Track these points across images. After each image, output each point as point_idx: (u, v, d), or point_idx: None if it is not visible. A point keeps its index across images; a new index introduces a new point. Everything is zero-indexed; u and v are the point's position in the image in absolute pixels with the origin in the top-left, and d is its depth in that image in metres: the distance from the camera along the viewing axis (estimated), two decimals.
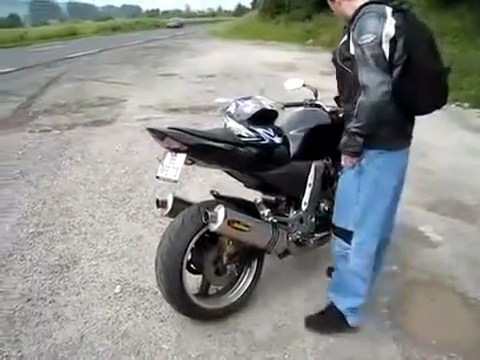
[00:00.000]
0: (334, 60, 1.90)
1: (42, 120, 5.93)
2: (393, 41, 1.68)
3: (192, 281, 2.18)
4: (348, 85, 1.84)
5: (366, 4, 1.74)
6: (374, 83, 1.65)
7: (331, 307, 2.17)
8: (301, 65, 11.15)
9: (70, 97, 7.33)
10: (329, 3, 1.96)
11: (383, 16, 1.67)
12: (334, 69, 1.96)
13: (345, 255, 2.04)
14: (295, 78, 2.95)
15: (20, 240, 2.89)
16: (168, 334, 2.11)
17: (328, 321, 2.17)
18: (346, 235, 2.01)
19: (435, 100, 1.84)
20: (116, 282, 2.49)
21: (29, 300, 2.32)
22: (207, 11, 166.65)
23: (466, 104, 6.88)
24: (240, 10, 72.74)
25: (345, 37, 1.81)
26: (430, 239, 3.05)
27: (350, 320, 2.12)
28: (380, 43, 1.65)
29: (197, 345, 2.04)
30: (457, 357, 2.03)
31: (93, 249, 2.82)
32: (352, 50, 1.74)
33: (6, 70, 9.80)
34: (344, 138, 1.81)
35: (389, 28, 1.66)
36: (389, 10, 1.69)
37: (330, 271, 2.34)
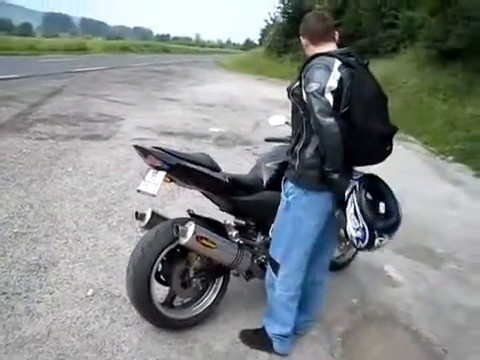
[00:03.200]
0: (288, 96, 2.05)
1: (40, 128, 6.11)
2: (336, 92, 1.82)
3: (160, 292, 2.33)
4: (296, 122, 2.03)
5: (319, 55, 1.90)
6: (323, 127, 1.79)
7: (263, 329, 2.34)
8: None
9: (70, 109, 7.55)
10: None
11: (329, 69, 1.82)
12: None
13: (273, 284, 2.20)
14: (279, 115, 3.20)
15: (4, 238, 3.03)
16: (131, 338, 2.24)
17: (258, 339, 2.33)
18: (274, 266, 2.18)
19: (367, 157, 1.96)
20: (89, 286, 2.63)
21: (4, 293, 2.45)
22: (216, 42, 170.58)
23: (450, 157, 7.16)
24: (248, 44, 74.58)
25: (298, 82, 1.96)
26: (392, 278, 3.23)
27: (275, 345, 2.27)
28: (323, 92, 1.80)
29: (156, 351, 2.18)
30: None
31: (72, 254, 2.96)
32: (304, 96, 1.89)
33: (12, 76, 10.06)
34: (326, 179, 1.90)
35: (332, 81, 1.81)
36: (337, 64, 1.84)
37: None
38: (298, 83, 1.96)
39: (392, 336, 2.64)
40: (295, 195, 2.02)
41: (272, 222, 2.47)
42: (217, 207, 2.54)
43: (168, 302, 2.32)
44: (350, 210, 1.90)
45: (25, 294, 2.47)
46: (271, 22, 26.64)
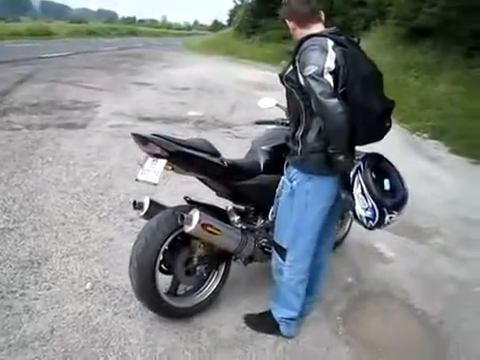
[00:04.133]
0: (282, 82, 2.01)
1: (12, 118, 5.86)
2: (334, 73, 1.78)
3: (162, 281, 2.29)
4: (293, 107, 2.00)
5: (310, 36, 1.85)
6: (327, 109, 1.74)
7: (269, 313, 2.34)
8: (273, 85, 11.34)
9: (42, 97, 7.27)
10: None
11: (324, 50, 1.78)
12: None
13: (280, 270, 2.20)
14: (268, 97, 3.15)
15: None
16: (136, 329, 2.21)
17: (264, 323, 2.34)
18: (281, 251, 2.17)
19: (369, 136, 1.93)
20: (87, 279, 2.56)
21: None
22: (183, 24, 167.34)
23: (425, 134, 7.31)
24: (216, 26, 73.41)
25: (291, 66, 1.91)
26: (384, 255, 3.29)
27: (282, 329, 2.29)
28: (322, 74, 1.76)
29: (164, 341, 2.16)
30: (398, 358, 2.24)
31: (64, 247, 2.88)
32: (301, 80, 1.84)
33: None
34: (331, 160, 1.87)
35: (329, 62, 1.77)
36: (330, 43, 1.80)
37: None
38: (292, 68, 1.91)
39: (390, 311, 2.70)
40: (300, 180, 2.00)
41: (271, 205, 2.47)
42: (214, 193, 2.51)
43: (172, 291, 2.29)
44: (357, 191, 1.90)
45: (21, 292, 2.39)
46: (240, 2, 26.30)
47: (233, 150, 4.21)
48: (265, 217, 2.50)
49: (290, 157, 2.08)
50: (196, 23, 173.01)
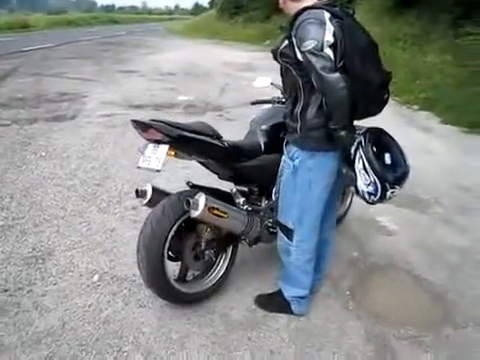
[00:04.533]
0: (275, 59, 1.95)
1: (0, 114, 5.75)
2: (333, 47, 1.74)
3: (170, 268, 2.27)
4: (289, 84, 1.95)
5: (305, 9, 1.78)
6: (329, 84, 1.70)
7: (279, 292, 2.34)
8: (259, 65, 11.32)
9: (28, 91, 7.12)
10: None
11: (322, 23, 1.72)
12: None
13: (288, 250, 2.18)
14: (263, 77, 3.11)
15: None
16: (149, 318, 2.20)
17: (274, 303, 2.34)
18: (287, 232, 2.14)
19: (369, 108, 1.90)
20: (93, 272, 2.54)
21: (6, 291, 2.33)
22: (164, 8, 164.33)
23: (415, 106, 7.29)
24: (197, 9, 72.28)
25: (286, 41, 1.84)
26: (386, 228, 3.30)
27: (294, 307, 2.29)
28: (322, 48, 1.71)
29: (177, 328, 2.15)
30: (412, 329, 2.25)
31: (67, 240, 2.84)
32: (299, 56, 1.78)
33: None
34: (332, 136, 1.84)
35: (328, 35, 1.72)
36: (327, 16, 1.74)
37: None
38: (287, 43, 1.85)
39: (396, 283, 2.72)
40: (301, 158, 1.97)
41: (274, 185, 2.45)
42: (214, 176, 2.48)
43: (181, 277, 2.28)
44: (359, 166, 1.88)
45: (28, 288, 2.36)
46: None
47: (227, 132, 4.19)
48: (269, 197, 2.48)
49: (289, 135, 2.05)
50: (177, 7, 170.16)
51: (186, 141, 2.01)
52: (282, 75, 2.01)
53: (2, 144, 4.59)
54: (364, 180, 1.89)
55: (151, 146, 2.00)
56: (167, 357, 1.98)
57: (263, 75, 3.14)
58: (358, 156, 1.89)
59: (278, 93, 2.93)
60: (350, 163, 1.92)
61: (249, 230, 2.28)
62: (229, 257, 2.40)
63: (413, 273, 2.77)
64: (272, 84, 2.96)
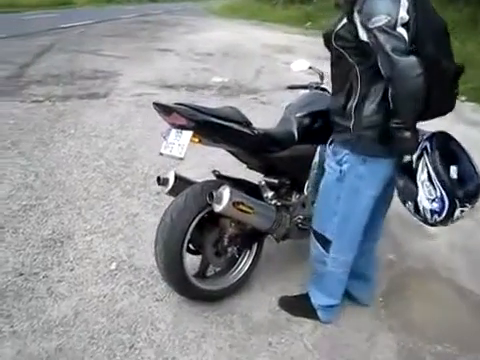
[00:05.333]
0: (328, 45, 1.70)
1: (34, 90, 5.73)
2: (406, 26, 1.47)
3: (190, 262, 2.13)
4: (342, 73, 1.68)
5: None
6: (401, 69, 1.43)
7: (306, 296, 2.14)
8: (298, 48, 11.01)
9: (63, 68, 7.09)
10: None
11: None
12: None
13: (324, 261, 1.96)
14: (301, 59, 2.90)
15: (12, 213, 2.80)
16: (164, 314, 2.07)
17: (300, 306, 2.15)
18: (324, 242, 1.92)
19: (441, 105, 1.64)
20: (111, 259, 2.43)
21: (21, 274, 2.25)
22: None
23: (463, 97, 6.85)
24: None
25: (345, 19, 1.58)
26: (427, 230, 3.03)
27: (321, 315, 2.10)
28: (395, 26, 1.44)
29: (194, 326, 2.01)
30: (451, 347, 2.04)
31: (87, 224, 2.75)
32: (363, 36, 1.52)
33: None
34: (392, 138, 1.57)
35: (402, 12, 1.45)
36: None
37: None
38: (345, 22, 1.58)
39: (435, 291, 2.50)
40: (351, 164, 1.71)
41: (306, 179, 2.26)
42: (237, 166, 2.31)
43: (201, 273, 2.13)
44: (422, 177, 1.60)
45: (43, 273, 2.27)
46: None
47: (260, 116, 4.00)
48: (300, 191, 2.29)
49: (338, 135, 1.77)
50: None
51: (212, 127, 1.83)
52: (333, 64, 1.74)
53: (33, 120, 4.54)
54: (428, 195, 1.60)
55: (174, 131, 1.84)
56: (181, 357, 1.85)
57: (302, 58, 2.93)
58: (422, 165, 1.60)
59: (317, 78, 2.72)
60: (409, 173, 1.64)
61: (277, 227, 2.10)
62: (254, 254, 2.23)
63: (454, 281, 2.55)
64: (311, 68, 2.75)
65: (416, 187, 1.63)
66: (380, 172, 1.73)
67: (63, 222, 2.75)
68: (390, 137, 1.56)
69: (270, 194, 2.10)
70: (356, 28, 1.54)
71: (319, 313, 2.09)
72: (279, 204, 2.13)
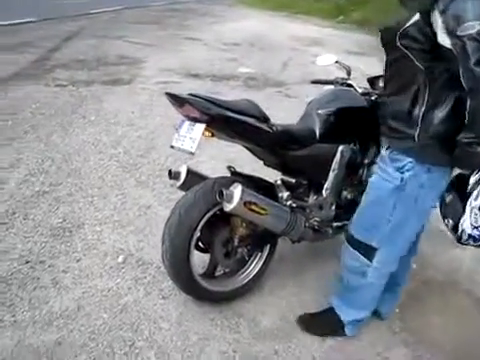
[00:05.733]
0: (387, 42, 1.54)
1: (59, 74, 5.73)
2: None
3: (198, 260, 2.05)
4: (405, 76, 1.51)
5: None
6: None
7: (330, 311, 2.00)
8: (328, 41, 10.77)
9: (89, 53, 7.09)
10: None
11: None
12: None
13: (363, 272, 1.81)
14: (328, 53, 2.77)
15: (25, 198, 2.76)
16: (169, 313, 1.99)
17: (323, 324, 2.01)
18: (368, 251, 1.76)
19: None
20: (119, 252, 2.37)
21: (28, 262, 2.21)
22: None
23: None
24: None
25: (416, 17, 1.39)
26: (451, 238, 2.87)
27: (348, 330, 1.96)
28: None
29: (198, 328, 1.93)
30: None
31: (99, 214, 2.70)
32: (443, 40, 1.34)
33: (26, 20, 9.54)
34: (458, 152, 1.44)
35: None
36: None
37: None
38: (416, 19, 1.39)
39: (455, 305, 2.34)
40: (414, 172, 1.56)
41: (325, 180, 2.14)
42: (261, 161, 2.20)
43: (209, 273, 2.04)
44: (474, 203, 1.52)
45: (50, 262, 2.23)
46: None
47: (285, 110, 3.87)
48: (318, 193, 2.16)
49: (398, 141, 1.61)
50: None
51: (226, 121, 1.73)
52: (391, 63, 1.58)
53: (54, 105, 4.52)
54: (473, 222, 1.54)
55: (187, 124, 1.75)
56: None
57: (330, 53, 2.79)
58: (478, 192, 1.52)
59: (343, 73, 2.59)
60: (460, 192, 1.56)
61: (291, 230, 1.98)
62: (265, 257, 2.13)
63: (476, 295, 2.39)
64: (337, 62, 2.61)
65: (463, 209, 1.55)
66: (441, 181, 1.62)
67: (74, 210, 2.70)
68: (458, 149, 1.44)
69: (285, 194, 1.99)
70: (432, 29, 1.37)
71: (347, 329, 1.96)
72: (294, 205, 2.01)
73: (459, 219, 1.56)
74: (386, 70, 1.64)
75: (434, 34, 1.36)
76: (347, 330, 1.96)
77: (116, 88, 5.40)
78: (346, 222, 2.36)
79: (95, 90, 5.23)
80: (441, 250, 2.74)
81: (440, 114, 1.47)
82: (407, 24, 1.42)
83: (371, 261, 1.76)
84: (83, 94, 5.01)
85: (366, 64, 7.22)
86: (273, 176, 2.14)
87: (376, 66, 7.75)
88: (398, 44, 1.46)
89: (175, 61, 7.10)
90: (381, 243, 1.72)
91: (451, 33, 1.31)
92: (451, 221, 1.61)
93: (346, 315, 1.94)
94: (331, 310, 1.99)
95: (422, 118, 1.50)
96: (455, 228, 1.60)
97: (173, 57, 7.44)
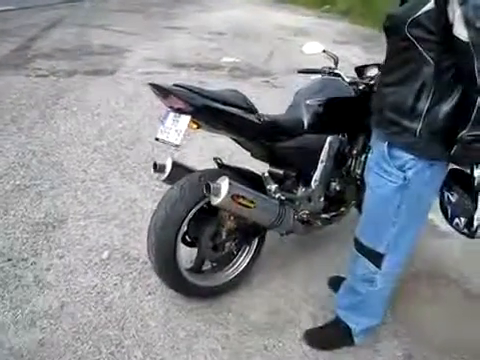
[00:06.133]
0: (393, 31, 1.44)
1: (40, 64, 5.58)
2: None
3: (185, 254, 2.00)
4: (409, 67, 1.42)
5: None
6: None
7: (337, 322, 1.93)
8: (314, 31, 10.67)
9: (71, 42, 6.93)
10: None
11: None
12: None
13: (372, 280, 1.74)
14: (314, 42, 2.71)
15: (5, 193, 2.68)
16: (156, 309, 1.95)
17: (332, 337, 1.93)
18: (376, 258, 1.70)
19: None
20: (104, 247, 2.31)
21: (9, 260, 2.14)
22: None
23: None
24: None
25: (430, 5, 1.28)
26: (439, 228, 2.87)
27: (358, 339, 1.90)
28: None
29: (186, 324, 1.90)
30: (463, 357, 1.90)
31: (82, 208, 2.63)
32: (460, 32, 1.25)
33: (7, 8, 9.27)
34: (457, 149, 1.39)
35: None
36: None
37: (334, 282, 2.17)
38: (431, 8, 1.28)
39: (444, 297, 2.33)
40: (417, 169, 1.49)
41: (314, 171, 2.10)
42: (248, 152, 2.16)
43: (196, 268, 2.00)
44: None
45: (32, 260, 2.16)
46: None
47: (272, 100, 3.82)
48: (307, 185, 2.13)
49: (398, 136, 1.51)
50: None
51: (212, 113, 1.67)
52: (394, 53, 1.48)
53: (35, 96, 4.41)
54: None
55: (172, 116, 1.69)
56: (170, 358, 1.73)
57: (317, 42, 2.73)
58: None
59: (331, 63, 2.54)
60: (467, 188, 1.52)
61: (279, 223, 1.94)
62: (253, 251, 2.09)
63: (464, 286, 2.39)
64: (325, 51, 2.56)
65: (475, 203, 1.49)
66: (441, 175, 1.57)
67: (57, 205, 2.63)
68: (458, 146, 1.38)
69: (274, 187, 1.94)
70: (448, 20, 1.27)
71: (356, 339, 1.90)
72: (283, 198, 1.97)
73: (472, 215, 1.50)
74: (387, 59, 1.54)
75: (449, 25, 1.27)
76: (357, 339, 1.89)
77: (99, 78, 5.28)
78: (334, 213, 2.35)
79: (77, 80, 5.10)
80: (428, 242, 2.73)
81: (446, 108, 1.40)
82: (419, 12, 1.31)
83: (380, 268, 1.70)
84: (65, 84, 4.89)
85: (351, 53, 7.21)
86: (261, 168, 2.10)
87: (360, 55, 7.76)
88: (406, 33, 1.36)
89: (159, 51, 6.97)
90: (388, 248, 1.66)
91: (470, 25, 1.22)
92: (463, 219, 1.54)
93: (358, 325, 1.88)
94: (338, 321, 1.93)
95: (426, 112, 1.42)
96: (469, 224, 1.52)
97: (157, 46, 7.30)
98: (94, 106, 4.30)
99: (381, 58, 1.65)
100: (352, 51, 7.66)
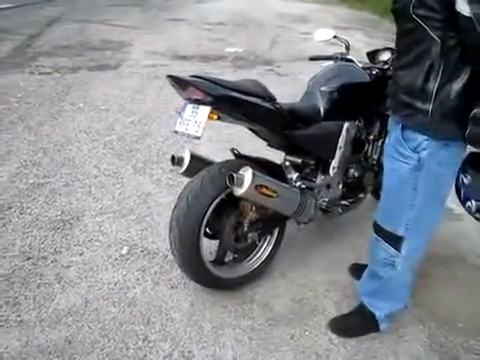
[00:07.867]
0: (400, 12, 1.44)
1: (43, 62, 5.54)
2: None
3: (207, 247, 1.99)
4: (418, 47, 1.41)
5: None
6: None
7: (361, 310, 1.92)
8: (315, 18, 10.59)
9: (73, 38, 6.88)
10: None
11: None
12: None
13: (393, 263, 1.73)
14: (324, 28, 2.68)
15: (19, 192, 2.67)
16: (180, 303, 1.94)
17: (357, 324, 1.92)
18: (396, 241, 1.68)
19: None
20: (123, 242, 2.30)
21: (29, 259, 2.13)
22: None
23: None
24: None
25: None
26: (454, 212, 2.83)
27: (383, 326, 1.88)
28: None
29: (211, 316, 1.88)
30: None
31: (98, 204, 2.61)
32: (463, 8, 1.24)
33: (6, 6, 9.19)
34: (472, 129, 1.38)
35: None
36: None
37: (355, 269, 2.16)
38: None
39: (463, 280, 2.31)
40: (431, 150, 1.47)
41: (332, 158, 2.08)
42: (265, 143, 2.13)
43: (219, 259, 1.98)
44: None
45: (52, 258, 2.15)
46: None
47: (277, 87, 3.78)
48: (325, 172, 2.11)
49: (411, 118, 1.50)
50: None
51: (232, 103, 1.65)
52: (403, 34, 1.47)
53: (41, 94, 4.38)
54: None
55: (190, 107, 1.66)
56: (197, 351, 1.72)
57: (318, 28, 2.69)
58: None
59: (342, 49, 2.51)
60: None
61: (301, 212, 1.92)
62: (275, 240, 2.07)
63: None
64: (336, 37, 2.52)
65: None
66: (460, 156, 1.54)
67: (72, 202, 2.61)
68: (471, 127, 1.37)
69: (295, 176, 1.92)
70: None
71: (382, 326, 1.88)
72: (304, 186, 1.95)
73: None
74: (398, 42, 1.54)
75: (451, 1, 1.27)
76: (382, 326, 1.88)
77: (103, 74, 5.25)
78: (353, 200, 2.33)
79: (82, 77, 5.07)
80: (443, 223, 2.70)
81: (456, 87, 1.39)
82: None
83: (400, 251, 1.68)
84: (69, 81, 4.86)
85: (354, 39, 7.12)
86: (273, 157, 2.08)
87: (363, 40, 7.68)
88: (411, 14, 1.36)
89: (161, 43, 6.93)
90: (407, 231, 1.64)
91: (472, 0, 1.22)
92: (474, 202, 1.52)
93: (381, 310, 1.86)
94: (362, 308, 1.91)
95: (437, 92, 1.41)
96: None
97: (158, 39, 7.25)
98: (101, 101, 4.27)
99: (384, 43, 1.63)
100: (355, 37, 7.59)
